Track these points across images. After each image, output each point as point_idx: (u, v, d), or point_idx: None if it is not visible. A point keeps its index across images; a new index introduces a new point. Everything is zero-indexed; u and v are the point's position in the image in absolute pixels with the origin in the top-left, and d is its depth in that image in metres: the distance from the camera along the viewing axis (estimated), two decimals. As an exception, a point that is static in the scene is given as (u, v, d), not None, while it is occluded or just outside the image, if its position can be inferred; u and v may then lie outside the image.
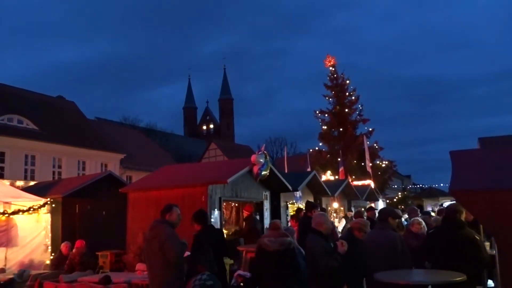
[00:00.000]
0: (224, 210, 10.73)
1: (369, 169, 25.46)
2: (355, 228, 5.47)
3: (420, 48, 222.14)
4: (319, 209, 9.67)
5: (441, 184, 31.98)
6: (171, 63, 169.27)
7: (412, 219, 7.08)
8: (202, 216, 5.73)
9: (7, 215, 8.53)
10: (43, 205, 9.39)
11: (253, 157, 10.52)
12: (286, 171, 21.24)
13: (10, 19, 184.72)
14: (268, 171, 10.83)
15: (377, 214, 8.37)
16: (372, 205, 20.21)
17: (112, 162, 26.80)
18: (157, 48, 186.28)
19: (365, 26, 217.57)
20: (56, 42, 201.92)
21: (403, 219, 11.16)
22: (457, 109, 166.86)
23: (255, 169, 10.52)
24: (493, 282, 5.65)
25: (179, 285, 4.73)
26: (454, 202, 5.65)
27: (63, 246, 8.97)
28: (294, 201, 13.40)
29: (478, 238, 5.11)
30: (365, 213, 10.66)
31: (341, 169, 24.16)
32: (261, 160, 10.51)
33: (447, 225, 5.20)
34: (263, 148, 11.07)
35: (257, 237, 9.89)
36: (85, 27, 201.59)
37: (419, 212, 9.64)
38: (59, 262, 8.79)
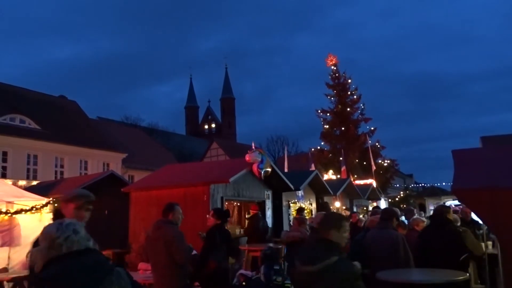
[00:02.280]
0: (226, 209, 10.74)
1: (372, 168, 25.41)
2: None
3: (419, 44, 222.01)
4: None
5: (443, 183, 31.88)
6: (170, 61, 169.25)
7: (415, 218, 7.15)
8: (222, 213, 5.82)
9: (9, 214, 8.53)
10: (46, 205, 9.39)
11: (248, 157, 10.37)
12: (286, 171, 21.24)
13: (5, 17, 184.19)
14: (269, 167, 10.71)
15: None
16: (375, 204, 20.23)
17: (114, 161, 26.86)
18: (154, 46, 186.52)
19: (364, 22, 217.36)
20: (51, 40, 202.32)
21: (403, 218, 11.16)
22: (458, 106, 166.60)
23: (254, 167, 10.44)
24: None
25: (184, 286, 4.74)
26: (443, 203, 6.05)
27: None
28: (296, 200, 13.40)
29: (462, 230, 5.38)
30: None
31: (343, 168, 24.18)
32: (258, 158, 10.39)
33: (433, 222, 5.53)
34: (253, 146, 10.92)
35: (259, 237, 9.96)
36: (81, 25, 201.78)
37: (415, 212, 9.81)
38: None
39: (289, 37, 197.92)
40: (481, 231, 7.24)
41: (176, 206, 4.92)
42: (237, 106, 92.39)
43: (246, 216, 12.00)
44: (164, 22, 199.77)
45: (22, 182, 19.30)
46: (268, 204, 11.61)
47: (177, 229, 4.74)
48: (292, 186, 12.23)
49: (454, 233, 5.18)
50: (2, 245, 8.42)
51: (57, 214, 3.33)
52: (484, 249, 6.00)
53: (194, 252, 5.15)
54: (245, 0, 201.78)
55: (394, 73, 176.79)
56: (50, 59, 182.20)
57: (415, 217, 7.38)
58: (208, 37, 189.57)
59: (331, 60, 33.27)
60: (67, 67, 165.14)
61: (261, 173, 10.51)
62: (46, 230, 2.23)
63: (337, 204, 16.68)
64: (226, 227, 6.25)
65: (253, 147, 10.68)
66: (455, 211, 8.75)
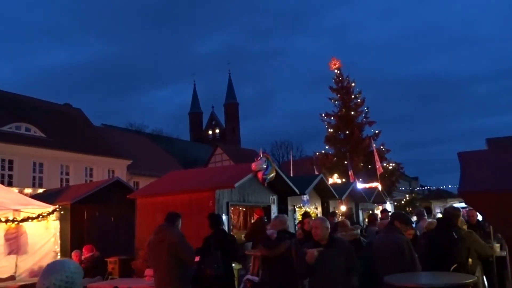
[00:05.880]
0: (231, 215, 10.72)
1: (379, 171, 25.22)
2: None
3: (421, 45, 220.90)
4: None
5: (449, 186, 31.68)
6: (170, 65, 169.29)
7: (431, 219, 7.14)
8: (212, 220, 5.81)
9: (16, 222, 8.57)
10: (52, 212, 9.42)
11: (254, 166, 10.33)
12: (291, 175, 21.20)
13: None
14: (273, 173, 10.72)
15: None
16: (380, 207, 20.12)
17: (119, 168, 26.93)
18: (153, 50, 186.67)
19: (363, 23, 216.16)
20: (47, 46, 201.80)
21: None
22: (462, 108, 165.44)
23: (259, 175, 10.45)
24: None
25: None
26: (453, 205, 6.08)
27: (74, 255, 8.97)
28: (301, 204, 13.37)
29: (465, 233, 5.43)
30: (379, 216, 10.77)
31: (350, 172, 24.14)
32: (264, 165, 10.39)
33: (440, 225, 5.60)
34: (260, 153, 10.90)
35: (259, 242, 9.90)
36: (77, 29, 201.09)
37: (425, 213, 9.76)
38: None
39: (288, 39, 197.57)
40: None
41: (180, 217, 5.11)
42: (240, 111, 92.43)
43: (252, 221, 11.99)
44: (162, 25, 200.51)
45: (28, 190, 19.37)
46: (274, 209, 11.59)
47: (180, 231, 4.83)
48: (297, 191, 12.21)
49: (450, 239, 5.16)
50: (10, 253, 8.44)
51: None
52: (493, 250, 5.96)
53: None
54: (242, 2, 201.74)
55: (395, 75, 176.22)
56: (46, 65, 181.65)
57: (430, 220, 7.32)
58: (206, 40, 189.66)
59: (335, 64, 33.18)
60: (65, 73, 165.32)
61: (265, 179, 10.54)
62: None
63: (343, 208, 16.62)
64: (226, 232, 6.26)
65: (260, 154, 10.69)
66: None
